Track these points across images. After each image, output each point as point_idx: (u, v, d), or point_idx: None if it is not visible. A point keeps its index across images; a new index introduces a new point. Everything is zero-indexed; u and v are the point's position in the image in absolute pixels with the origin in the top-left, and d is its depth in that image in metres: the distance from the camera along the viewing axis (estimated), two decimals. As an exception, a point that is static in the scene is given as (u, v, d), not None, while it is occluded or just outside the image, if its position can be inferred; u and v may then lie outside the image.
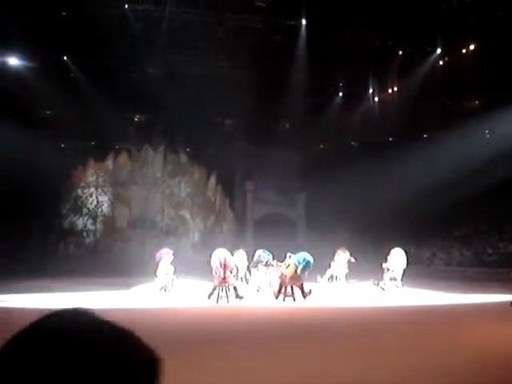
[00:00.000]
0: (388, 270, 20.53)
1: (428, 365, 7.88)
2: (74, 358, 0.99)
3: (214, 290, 17.44)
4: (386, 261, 20.74)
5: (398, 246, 20.90)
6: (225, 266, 17.38)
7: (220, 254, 17.68)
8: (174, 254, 20.63)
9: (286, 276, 17.65)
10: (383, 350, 9.20)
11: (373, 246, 30.78)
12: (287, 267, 17.91)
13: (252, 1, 27.92)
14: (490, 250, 29.74)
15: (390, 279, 20.34)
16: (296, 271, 17.53)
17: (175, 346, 8.91)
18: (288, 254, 19.07)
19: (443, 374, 7.35)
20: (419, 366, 7.84)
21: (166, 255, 20.53)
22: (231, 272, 17.69)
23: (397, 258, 20.60)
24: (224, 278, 17.22)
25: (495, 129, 32.22)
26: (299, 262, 17.78)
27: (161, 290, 19.95)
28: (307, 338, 10.61)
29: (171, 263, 20.20)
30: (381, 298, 18.71)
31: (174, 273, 20.12)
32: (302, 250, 18.99)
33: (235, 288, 17.60)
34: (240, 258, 21.13)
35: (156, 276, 20.11)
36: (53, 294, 18.45)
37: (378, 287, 20.39)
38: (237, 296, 17.36)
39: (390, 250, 21.00)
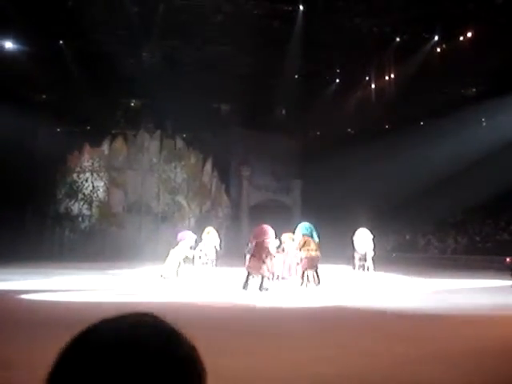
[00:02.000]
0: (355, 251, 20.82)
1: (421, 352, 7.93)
2: (134, 367, 0.98)
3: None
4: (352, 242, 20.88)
5: (385, 230, 21.11)
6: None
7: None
8: (196, 240, 20.13)
9: (315, 256, 16.38)
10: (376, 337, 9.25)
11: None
12: (305, 245, 16.57)
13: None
14: (485, 238, 29.87)
15: (359, 260, 20.66)
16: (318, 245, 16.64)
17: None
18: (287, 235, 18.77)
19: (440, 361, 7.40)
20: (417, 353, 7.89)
21: (188, 237, 19.84)
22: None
23: (361, 238, 20.58)
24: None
25: (492, 117, 32.22)
26: (312, 235, 16.79)
27: (167, 275, 19.29)
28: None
29: (191, 248, 19.58)
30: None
31: (187, 260, 19.59)
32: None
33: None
34: (211, 237, 21.07)
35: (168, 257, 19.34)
36: (48, 279, 18.48)
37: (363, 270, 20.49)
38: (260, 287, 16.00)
39: (354, 231, 21.04)
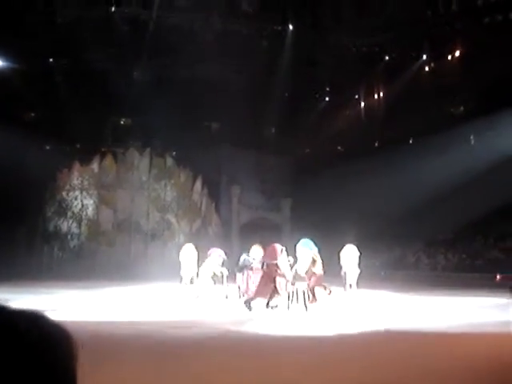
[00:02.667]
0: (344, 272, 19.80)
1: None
2: None
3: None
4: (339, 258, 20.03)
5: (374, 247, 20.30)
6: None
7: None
8: (226, 255, 19.61)
9: (319, 275, 15.92)
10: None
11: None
12: (314, 264, 16.01)
13: (240, 6, 28.02)
14: (475, 255, 29.93)
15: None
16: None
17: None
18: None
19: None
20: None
21: (214, 254, 19.33)
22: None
23: (347, 255, 19.82)
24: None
25: (481, 134, 32.44)
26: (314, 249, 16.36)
27: (200, 294, 19.16)
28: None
29: (222, 265, 19.02)
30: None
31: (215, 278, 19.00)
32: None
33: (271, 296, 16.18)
34: (189, 253, 20.37)
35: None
36: (36, 296, 18.35)
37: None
38: (267, 305, 15.93)
39: (342, 247, 20.33)
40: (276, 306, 15.88)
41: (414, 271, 30.43)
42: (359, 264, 20.17)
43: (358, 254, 20.25)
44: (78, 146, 35.42)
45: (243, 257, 20.85)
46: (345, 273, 20.03)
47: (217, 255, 19.55)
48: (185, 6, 27.91)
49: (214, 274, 18.88)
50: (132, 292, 21.30)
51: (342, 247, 20.69)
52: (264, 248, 18.02)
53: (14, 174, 30.51)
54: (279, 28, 29.55)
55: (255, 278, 19.11)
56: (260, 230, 35.53)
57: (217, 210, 36.97)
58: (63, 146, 34.02)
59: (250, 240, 23.16)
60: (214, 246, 21.42)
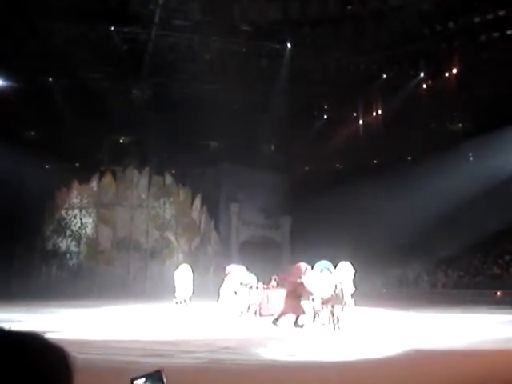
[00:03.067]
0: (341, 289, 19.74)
1: None
2: None
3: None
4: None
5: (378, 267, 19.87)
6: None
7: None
8: (248, 270, 19.82)
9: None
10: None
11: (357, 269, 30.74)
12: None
13: (238, 25, 28.19)
14: (474, 272, 29.88)
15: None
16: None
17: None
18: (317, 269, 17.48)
19: None
20: None
21: (234, 271, 19.47)
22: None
23: (343, 272, 19.14)
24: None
25: (480, 152, 32.50)
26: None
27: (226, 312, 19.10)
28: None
29: (241, 283, 19.10)
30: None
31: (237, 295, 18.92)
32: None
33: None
34: (184, 273, 20.70)
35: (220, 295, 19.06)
36: (34, 315, 18.27)
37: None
38: (295, 323, 15.99)
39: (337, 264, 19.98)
40: (302, 325, 15.79)
41: (414, 289, 30.35)
42: (354, 282, 19.94)
43: (353, 271, 19.96)
44: (77, 164, 35.45)
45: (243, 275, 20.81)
46: (341, 290, 19.80)
47: (238, 272, 19.53)
48: (183, 25, 28.06)
49: (235, 292, 18.83)
50: (132, 311, 21.21)
51: (336, 264, 20.54)
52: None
53: (13, 192, 30.51)
54: (277, 46, 29.69)
55: (275, 296, 19.14)
56: (259, 248, 35.50)
57: (216, 227, 36.94)
58: (62, 165, 34.04)
59: (249, 258, 23.16)
60: (228, 263, 21.55)
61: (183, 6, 27.23)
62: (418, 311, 20.43)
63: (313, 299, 16.66)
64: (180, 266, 21.65)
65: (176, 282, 20.76)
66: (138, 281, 31.46)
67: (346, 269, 19.67)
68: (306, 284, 16.11)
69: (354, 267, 19.66)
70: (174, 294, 20.67)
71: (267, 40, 29.28)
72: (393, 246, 31.33)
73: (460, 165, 31.79)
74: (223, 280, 18.87)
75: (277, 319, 16.04)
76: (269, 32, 28.67)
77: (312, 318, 16.49)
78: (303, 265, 16.69)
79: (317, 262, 17.32)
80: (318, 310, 16.66)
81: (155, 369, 1.54)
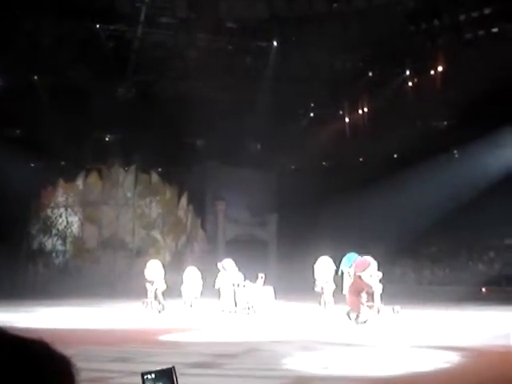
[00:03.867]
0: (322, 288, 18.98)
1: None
2: None
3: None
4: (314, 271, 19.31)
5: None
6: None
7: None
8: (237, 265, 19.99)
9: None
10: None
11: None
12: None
13: (224, 23, 28.15)
14: (460, 268, 30.08)
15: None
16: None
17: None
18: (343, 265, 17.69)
19: None
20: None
21: (228, 266, 19.95)
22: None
23: (322, 268, 19.17)
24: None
25: (464, 149, 32.69)
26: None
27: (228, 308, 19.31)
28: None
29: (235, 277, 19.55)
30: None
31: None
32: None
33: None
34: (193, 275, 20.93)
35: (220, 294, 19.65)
36: (18, 314, 18.19)
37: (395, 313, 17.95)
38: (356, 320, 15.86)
39: (316, 260, 19.70)
40: (365, 322, 15.54)
41: (400, 285, 30.47)
42: (334, 279, 19.41)
43: (334, 267, 19.43)
44: (63, 163, 35.21)
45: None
46: (322, 288, 19.25)
47: (233, 266, 19.67)
48: (169, 22, 27.98)
49: (234, 285, 19.10)
50: (116, 310, 21.16)
51: (316, 259, 19.95)
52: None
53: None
54: (263, 44, 29.68)
55: (261, 294, 19.19)
56: (246, 246, 35.46)
57: (202, 226, 36.88)
58: (48, 163, 33.84)
59: (236, 256, 23.18)
60: (215, 262, 21.72)
61: (169, 3, 27.18)
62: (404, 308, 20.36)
63: (373, 295, 16.32)
64: (188, 268, 22.07)
65: (184, 284, 20.80)
66: (124, 279, 31.32)
67: (325, 265, 19.45)
68: (365, 279, 15.85)
69: (335, 264, 19.54)
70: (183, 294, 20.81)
71: (253, 38, 29.27)
72: (379, 243, 31.44)
73: (445, 162, 31.96)
74: (217, 276, 19.15)
75: (350, 312, 15.88)
76: (255, 30, 28.66)
77: (372, 315, 16.09)
78: (369, 258, 16.44)
79: (344, 255, 17.64)
80: (378, 307, 16.34)
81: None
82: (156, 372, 1.50)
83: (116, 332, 14.94)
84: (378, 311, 16.35)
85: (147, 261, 31.85)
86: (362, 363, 10.77)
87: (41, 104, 29.79)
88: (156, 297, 20.39)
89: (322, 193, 34.15)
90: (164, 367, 1.53)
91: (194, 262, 33.59)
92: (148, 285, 20.47)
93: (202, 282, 21.23)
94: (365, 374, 9.84)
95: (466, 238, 30.45)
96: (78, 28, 27.23)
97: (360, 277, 15.93)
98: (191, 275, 21.15)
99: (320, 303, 19.23)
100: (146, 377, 1.49)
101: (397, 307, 17.08)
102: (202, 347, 12.55)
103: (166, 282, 20.99)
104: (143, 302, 20.59)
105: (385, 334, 14.44)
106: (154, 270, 20.90)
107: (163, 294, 20.54)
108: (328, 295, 19.02)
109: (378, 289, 16.61)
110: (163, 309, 20.08)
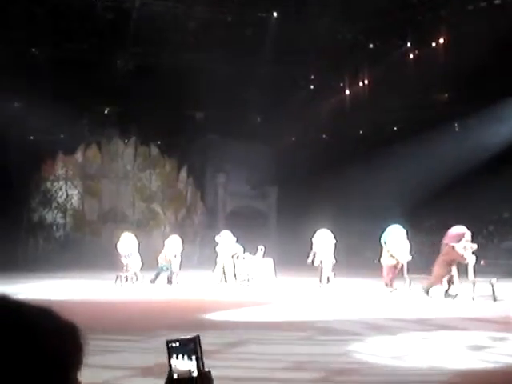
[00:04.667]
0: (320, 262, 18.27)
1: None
2: None
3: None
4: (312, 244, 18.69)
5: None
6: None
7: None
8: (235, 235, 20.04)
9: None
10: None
11: (341, 240, 30.92)
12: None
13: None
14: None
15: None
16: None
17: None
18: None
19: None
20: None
21: (226, 237, 19.87)
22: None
23: (321, 241, 18.50)
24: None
25: (464, 122, 32.56)
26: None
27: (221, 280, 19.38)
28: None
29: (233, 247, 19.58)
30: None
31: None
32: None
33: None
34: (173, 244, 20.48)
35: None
36: (17, 285, 18.28)
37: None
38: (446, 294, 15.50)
39: (314, 232, 19.01)
40: (455, 296, 15.10)
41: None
42: (335, 253, 18.83)
43: (334, 241, 18.87)
44: (62, 136, 35.11)
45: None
46: (321, 262, 18.46)
47: (231, 237, 19.74)
48: (168, -7, 27.69)
49: (233, 256, 19.29)
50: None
51: (315, 231, 19.18)
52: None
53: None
54: (263, 15, 29.38)
55: (261, 266, 19.09)
56: (246, 218, 35.52)
57: (202, 198, 36.92)
58: (47, 136, 33.73)
59: (235, 229, 23.24)
60: (215, 234, 21.72)
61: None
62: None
63: (466, 266, 15.69)
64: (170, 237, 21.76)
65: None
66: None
67: (325, 237, 18.80)
68: (458, 250, 15.24)
69: (335, 237, 19.17)
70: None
71: (253, 8, 28.96)
72: (380, 217, 31.47)
73: (446, 135, 31.83)
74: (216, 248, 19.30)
75: (428, 288, 15.41)
76: (254, 0, 28.34)
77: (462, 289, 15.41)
78: (463, 228, 15.82)
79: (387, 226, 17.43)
80: (473, 280, 15.57)
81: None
82: (180, 340, 1.49)
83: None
84: (474, 285, 15.35)
85: (148, 234, 32.22)
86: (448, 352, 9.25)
87: (39, 77, 29.55)
88: (131, 271, 20.24)
89: (323, 165, 34.10)
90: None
91: (194, 235, 33.94)
92: (123, 259, 20.17)
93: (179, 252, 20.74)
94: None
95: (467, 213, 30.44)
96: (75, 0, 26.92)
97: (453, 247, 15.24)
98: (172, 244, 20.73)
99: (320, 279, 18.52)
100: (170, 345, 1.49)
101: (493, 280, 15.23)
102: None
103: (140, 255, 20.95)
104: (117, 277, 20.05)
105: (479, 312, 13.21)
106: (128, 243, 20.72)
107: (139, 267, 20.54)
108: (327, 269, 18.44)
109: (471, 260, 15.85)
110: (140, 282, 20.09)
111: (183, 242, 21.80)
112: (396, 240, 16.93)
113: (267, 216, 39.61)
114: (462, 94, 31.59)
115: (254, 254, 21.23)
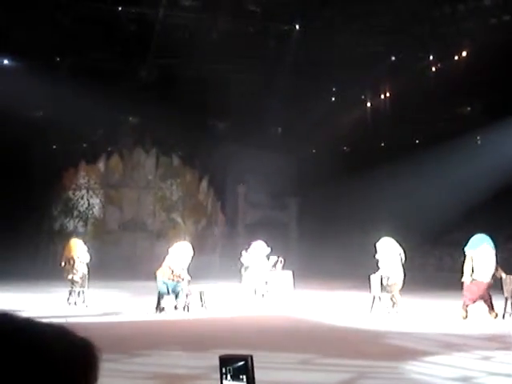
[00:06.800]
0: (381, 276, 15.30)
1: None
2: (10, 357, 1.02)
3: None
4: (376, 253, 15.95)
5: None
6: None
7: None
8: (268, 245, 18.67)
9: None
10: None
11: (362, 250, 30.78)
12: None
13: (246, 5, 27.99)
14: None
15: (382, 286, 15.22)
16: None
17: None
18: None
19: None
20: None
21: (258, 248, 18.67)
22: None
23: (386, 252, 15.66)
24: None
25: (487, 136, 32.31)
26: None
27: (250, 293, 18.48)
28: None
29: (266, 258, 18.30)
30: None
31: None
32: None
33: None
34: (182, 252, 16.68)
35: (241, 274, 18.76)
36: (41, 295, 18.42)
37: None
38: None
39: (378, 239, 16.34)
40: None
41: (420, 272, 30.33)
42: (403, 268, 15.80)
43: (400, 251, 15.93)
44: (85, 145, 35.43)
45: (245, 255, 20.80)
46: (387, 279, 15.46)
47: (266, 248, 18.81)
48: (191, 5, 27.87)
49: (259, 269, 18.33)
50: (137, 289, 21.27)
51: (379, 238, 16.36)
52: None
53: (20, 172, 30.59)
54: (286, 27, 29.49)
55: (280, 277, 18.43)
56: (266, 229, 35.48)
57: (222, 209, 36.96)
58: (69, 145, 34.05)
59: (256, 239, 23.20)
60: (235, 245, 21.05)
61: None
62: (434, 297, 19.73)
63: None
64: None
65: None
66: (145, 261, 31.50)
67: (389, 247, 16.07)
68: None
69: (401, 246, 16.58)
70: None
71: (275, 21, 29.08)
72: (399, 229, 31.30)
73: (468, 149, 31.61)
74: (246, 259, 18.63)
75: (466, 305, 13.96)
76: (277, 12, 28.45)
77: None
78: None
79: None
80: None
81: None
82: (234, 357, 1.52)
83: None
84: None
85: (168, 243, 32.31)
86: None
87: (63, 86, 29.87)
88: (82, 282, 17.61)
89: (343, 177, 34.01)
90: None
91: (214, 245, 33.99)
92: (179, 270, 16.32)
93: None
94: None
95: (489, 226, 30.17)
96: (99, 10, 27.21)
97: None
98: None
99: (394, 304, 15.37)
100: (223, 361, 1.52)
101: None
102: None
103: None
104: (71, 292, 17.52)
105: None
106: (80, 249, 18.19)
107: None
108: (396, 292, 15.40)
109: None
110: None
111: (199, 252, 19.81)
112: (483, 253, 14.37)
113: (287, 227, 39.56)
114: (484, 107, 31.43)
115: (274, 265, 21.16)
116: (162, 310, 15.21)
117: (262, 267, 18.56)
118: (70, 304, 16.81)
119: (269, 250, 19.03)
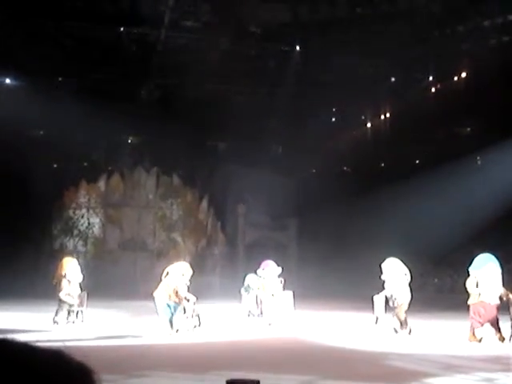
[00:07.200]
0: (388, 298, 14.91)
1: None
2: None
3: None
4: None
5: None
6: None
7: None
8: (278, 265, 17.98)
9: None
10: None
11: (362, 270, 30.72)
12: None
13: (246, 26, 28.19)
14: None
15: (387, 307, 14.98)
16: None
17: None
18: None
19: None
20: None
21: (270, 268, 17.99)
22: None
23: (391, 272, 15.14)
24: None
25: (487, 156, 32.37)
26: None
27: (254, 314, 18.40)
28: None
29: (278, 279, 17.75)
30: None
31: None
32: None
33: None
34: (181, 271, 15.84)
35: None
36: (41, 314, 18.34)
37: None
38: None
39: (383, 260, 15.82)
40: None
41: (420, 293, 30.22)
42: (410, 288, 15.33)
43: (406, 271, 15.41)
44: (85, 164, 35.53)
45: (249, 276, 20.74)
46: (394, 299, 15.01)
47: (277, 268, 18.12)
48: (193, 26, 28.08)
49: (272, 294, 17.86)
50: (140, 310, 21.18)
51: (384, 259, 15.88)
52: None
53: (21, 191, 30.63)
54: (286, 49, 29.68)
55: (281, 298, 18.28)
56: (266, 250, 35.43)
57: (222, 229, 36.94)
58: (70, 165, 34.15)
59: (255, 260, 23.13)
60: (235, 265, 20.77)
61: (193, 7, 27.26)
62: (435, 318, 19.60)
63: None
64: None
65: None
66: (145, 281, 31.43)
67: (395, 267, 15.56)
68: None
69: (406, 266, 15.92)
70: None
71: (276, 42, 29.27)
72: (399, 250, 31.23)
73: (467, 169, 31.66)
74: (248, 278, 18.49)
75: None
76: (277, 34, 28.65)
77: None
78: None
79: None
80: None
81: None
82: (242, 381, 1.51)
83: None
84: None
85: (168, 263, 32.22)
86: None
87: (64, 106, 30.01)
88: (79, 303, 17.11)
89: (343, 197, 34.05)
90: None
91: (214, 265, 33.94)
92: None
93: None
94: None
95: (489, 246, 30.10)
96: (101, 31, 27.40)
97: None
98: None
99: (402, 325, 14.91)
100: None
101: None
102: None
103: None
104: (70, 312, 16.87)
105: None
106: (74, 269, 17.52)
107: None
108: (400, 313, 14.94)
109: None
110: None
111: (198, 272, 19.51)
112: (488, 273, 13.73)
113: (287, 247, 39.50)
114: (484, 128, 31.53)
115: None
116: (177, 330, 14.56)
117: (274, 287, 18.23)
118: (68, 322, 16.60)
119: (280, 269, 18.69)
